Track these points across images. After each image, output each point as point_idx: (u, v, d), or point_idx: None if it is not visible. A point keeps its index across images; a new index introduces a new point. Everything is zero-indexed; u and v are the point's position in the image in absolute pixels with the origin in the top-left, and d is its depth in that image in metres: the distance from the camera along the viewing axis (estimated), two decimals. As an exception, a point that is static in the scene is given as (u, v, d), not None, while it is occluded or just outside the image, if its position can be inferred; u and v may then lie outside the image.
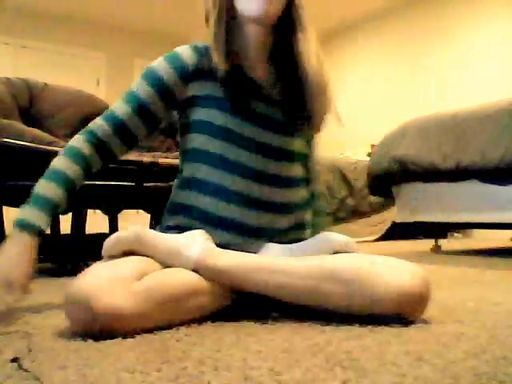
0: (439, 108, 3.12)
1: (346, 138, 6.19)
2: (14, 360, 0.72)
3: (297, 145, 1.20)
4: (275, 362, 0.70)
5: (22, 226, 1.02)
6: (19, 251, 1.00)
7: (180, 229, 1.11)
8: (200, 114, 1.13)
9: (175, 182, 1.21)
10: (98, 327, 0.82)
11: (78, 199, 1.99)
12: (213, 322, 0.97)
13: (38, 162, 1.86)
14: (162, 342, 0.82)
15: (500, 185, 2.35)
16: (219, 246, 1.05)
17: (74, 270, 2.05)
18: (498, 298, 1.25)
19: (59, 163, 1.11)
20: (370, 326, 0.91)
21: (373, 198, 4.28)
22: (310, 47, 1.12)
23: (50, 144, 1.82)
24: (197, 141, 1.14)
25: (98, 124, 1.15)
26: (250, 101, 1.13)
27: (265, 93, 1.15)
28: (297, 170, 1.19)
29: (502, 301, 1.20)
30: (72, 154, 1.12)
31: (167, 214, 1.19)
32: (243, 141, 1.11)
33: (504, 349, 0.76)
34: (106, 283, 0.85)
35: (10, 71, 4.95)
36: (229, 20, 1.11)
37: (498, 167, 2.25)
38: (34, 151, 1.77)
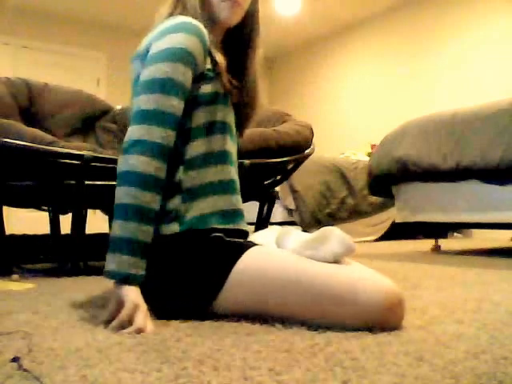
0: (439, 108, 3.12)
1: (346, 137, 6.19)
2: (14, 360, 0.72)
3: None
4: (275, 362, 0.70)
5: (130, 282, 0.96)
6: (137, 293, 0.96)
7: (224, 215, 1.12)
8: (212, 86, 1.14)
9: (180, 169, 1.10)
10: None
11: (77, 199, 1.99)
12: (213, 322, 0.97)
13: (38, 161, 1.87)
14: (162, 342, 0.82)
15: (500, 185, 2.35)
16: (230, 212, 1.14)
17: (74, 269, 2.05)
18: (497, 297, 1.25)
19: (149, 201, 0.98)
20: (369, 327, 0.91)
21: (373, 198, 4.28)
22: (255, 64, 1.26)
23: (49, 144, 1.82)
24: (215, 113, 1.14)
25: (168, 135, 1.02)
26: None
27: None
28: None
29: (501, 301, 1.20)
30: (155, 185, 0.99)
31: (194, 202, 1.09)
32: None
33: (504, 349, 0.76)
34: None
35: (9, 71, 4.94)
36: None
37: (498, 167, 2.25)
38: (34, 151, 1.77)
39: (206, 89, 1.13)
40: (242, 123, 1.31)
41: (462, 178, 2.48)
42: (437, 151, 2.53)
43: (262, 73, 1.31)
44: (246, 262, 0.98)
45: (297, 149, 2.20)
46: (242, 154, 1.97)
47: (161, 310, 1.04)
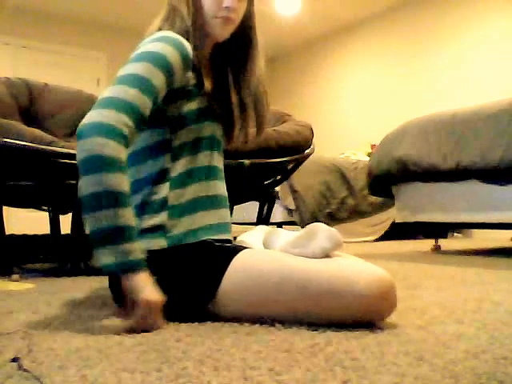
0: (439, 108, 3.12)
1: (346, 137, 6.19)
2: (14, 360, 0.72)
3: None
4: (275, 362, 0.70)
5: (133, 269, 0.93)
6: (149, 283, 0.94)
7: (212, 228, 1.13)
8: (197, 103, 1.14)
9: (166, 186, 1.10)
10: None
11: (77, 199, 1.99)
12: (213, 322, 0.97)
13: (38, 161, 1.87)
14: (162, 342, 0.82)
15: (500, 185, 2.35)
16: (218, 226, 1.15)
17: (74, 269, 2.05)
18: (497, 297, 1.25)
19: (117, 183, 0.93)
20: (369, 326, 0.91)
21: (373, 198, 4.28)
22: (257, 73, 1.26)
23: (49, 144, 1.82)
24: (201, 130, 1.14)
25: (124, 122, 0.97)
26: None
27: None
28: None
29: (502, 301, 1.20)
30: (119, 167, 0.94)
31: (182, 217, 1.09)
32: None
33: (504, 349, 0.76)
34: None
35: (9, 71, 4.94)
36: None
37: (498, 167, 2.25)
38: (34, 151, 1.77)
39: (191, 106, 1.13)
40: (245, 133, 1.30)
41: (462, 178, 2.48)
42: (437, 151, 2.53)
43: (267, 79, 1.32)
44: (238, 265, 0.98)
45: (297, 149, 2.21)
46: (241, 154, 1.98)
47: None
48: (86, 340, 0.84)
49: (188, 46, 1.11)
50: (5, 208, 2.11)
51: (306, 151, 2.25)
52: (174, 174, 1.11)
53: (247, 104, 1.25)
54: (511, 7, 4.77)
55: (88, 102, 2.61)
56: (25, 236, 2.54)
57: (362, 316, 0.90)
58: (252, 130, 1.32)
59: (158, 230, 1.08)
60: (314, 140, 2.32)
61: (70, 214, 2.21)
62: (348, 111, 6.40)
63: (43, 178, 1.92)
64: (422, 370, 0.66)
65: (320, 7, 5.80)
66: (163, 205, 1.09)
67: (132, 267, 0.93)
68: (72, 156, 1.85)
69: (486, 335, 0.85)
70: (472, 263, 2.21)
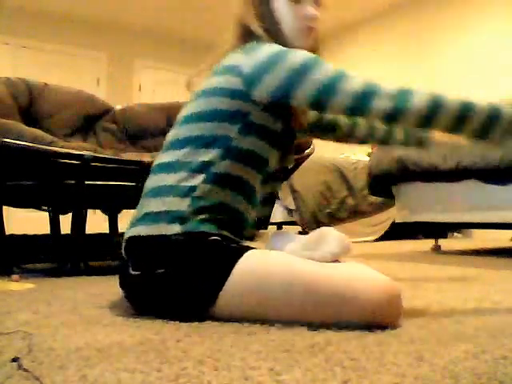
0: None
1: (346, 137, 6.19)
2: (14, 360, 0.72)
3: None
4: (275, 362, 0.70)
5: None
6: None
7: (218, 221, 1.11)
8: (268, 120, 1.13)
9: (200, 176, 1.09)
10: None
11: (77, 199, 1.99)
12: (213, 322, 0.97)
13: (38, 161, 1.87)
14: (162, 342, 0.82)
15: (500, 185, 2.35)
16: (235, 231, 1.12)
17: (74, 269, 2.05)
18: (497, 297, 1.25)
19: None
20: (369, 327, 0.91)
21: (373, 198, 4.28)
22: None
23: (49, 144, 1.82)
24: (262, 147, 1.13)
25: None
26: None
27: None
28: None
29: (501, 301, 1.20)
30: None
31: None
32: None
33: (504, 349, 0.76)
34: None
35: (9, 71, 4.94)
36: None
37: (498, 167, 2.25)
38: (34, 151, 1.77)
39: (276, 126, 1.13)
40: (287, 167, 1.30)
41: (462, 177, 2.48)
42: (437, 151, 2.53)
43: None
44: (244, 265, 0.98)
45: (297, 149, 2.20)
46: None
47: (159, 311, 1.04)
48: (85, 340, 0.84)
49: None
50: (5, 208, 2.10)
51: (306, 151, 2.25)
52: (214, 170, 1.09)
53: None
54: (511, 7, 4.77)
55: (88, 102, 2.61)
56: (25, 236, 2.54)
57: (367, 323, 0.90)
58: None
59: (174, 215, 1.06)
60: (314, 140, 2.32)
61: (70, 214, 2.20)
62: (348, 111, 6.40)
63: (43, 178, 1.92)
64: (421, 370, 0.66)
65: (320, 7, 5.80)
66: (188, 193, 1.07)
67: None
68: (72, 156, 1.86)
69: (486, 335, 0.85)
70: (472, 263, 2.21)
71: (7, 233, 2.14)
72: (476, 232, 4.91)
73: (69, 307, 1.19)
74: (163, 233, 1.05)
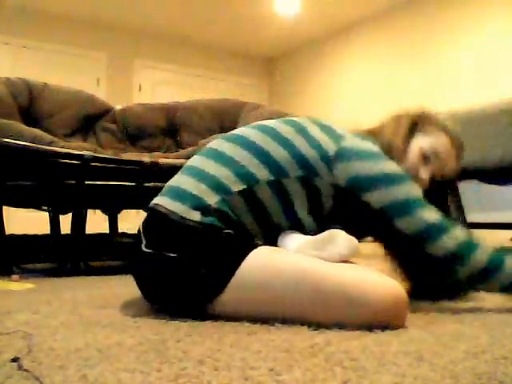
0: (438, 108, 3.12)
1: (346, 138, 6.19)
2: (14, 360, 0.72)
3: None
4: (275, 362, 0.70)
5: None
6: None
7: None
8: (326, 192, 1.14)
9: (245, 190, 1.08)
10: None
11: (77, 199, 1.99)
12: (213, 322, 0.97)
13: (38, 161, 1.87)
14: (162, 342, 0.82)
15: (500, 185, 2.35)
16: None
17: (74, 269, 2.05)
18: (497, 298, 1.25)
19: None
20: (369, 327, 0.91)
21: (373, 198, 4.27)
22: None
23: (49, 144, 1.82)
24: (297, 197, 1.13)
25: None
26: None
27: None
28: None
29: (501, 301, 1.20)
30: None
31: None
32: None
33: (504, 349, 0.76)
34: None
35: (9, 71, 4.94)
36: None
37: (498, 167, 2.25)
38: (34, 151, 1.77)
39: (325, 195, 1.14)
40: None
41: (462, 177, 2.48)
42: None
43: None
44: (253, 260, 0.98)
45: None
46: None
47: (163, 294, 1.04)
48: (86, 340, 0.84)
49: None
50: (5, 208, 2.11)
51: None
52: (255, 189, 1.08)
53: None
54: (510, 7, 4.77)
55: (88, 102, 2.62)
56: (25, 236, 2.54)
57: (371, 324, 0.90)
58: None
59: (201, 202, 1.05)
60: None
61: (70, 214, 2.21)
62: (348, 111, 6.40)
63: (43, 178, 1.92)
64: (422, 370, 0.66)
65: (320, 7, 5.80)
66: (223, 193, 1.06)
67: None
68: (72, 156, 1.86)
69: (486, 335, 0.85)
70: (472, 263, 2.20)
71: (7, 233, 2.14)
72: (476, 232, 4.91)
73: (69, 307, 1.19)
74: (184, 215, 1.03)
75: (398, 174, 1.12)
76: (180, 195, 1.07)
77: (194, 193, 1.06)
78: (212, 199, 1.05)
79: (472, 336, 0.85)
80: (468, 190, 2.51)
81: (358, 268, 0.97)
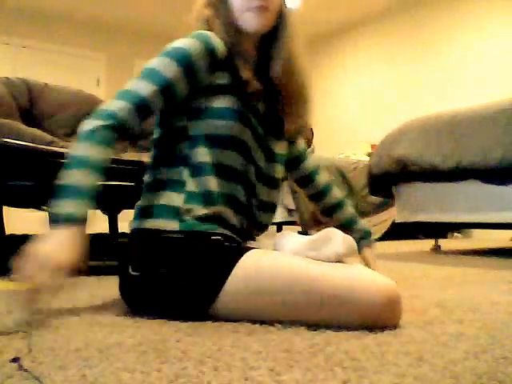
0: (439, 108, 3.12)
1: (346, 138, 6.19)
2: (14, 360, 0.72)
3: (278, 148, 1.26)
4: (275, 362, 0.70)
5: (57, 220, 0.98)
6: (61, 239, 0.97)
7: (218, 219, 1.09)
8: (226, 102, 1.11)
9: (184, 171, 1.11)
10: None
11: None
12: (213, 322, 0.97)
13: (38, 161, 1.87)
14: (162, 342, 0.82)
15: (500, 185, 2.35)
16: (236, 229, 1.12)
17: (73, 269, 2.04)
18: (497, 298, 1.25)
19: (81, 151, 1.02)
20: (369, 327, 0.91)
21: (373, 198, 4.28)
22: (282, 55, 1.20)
23: (49, 144, 1.82)
24: (227, 129, 1.11)
25: (117, 105, 1.05)
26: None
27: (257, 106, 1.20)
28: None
29: (501, 301, 1.20)
30: (98, 139, 1.02)
31: (190, 203, 1.08)
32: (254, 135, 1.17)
33: (504, 349, 0.76)
34: None
35: (9, 71, 4.94)
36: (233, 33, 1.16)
37: (498, 167, 2.25)
38: (34, 151, 1.77)
39: (221, 103, 1.11)
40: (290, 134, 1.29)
41: (462, 178, 2.48)
42: (437, 151, 2.53)
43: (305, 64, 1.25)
44: (245, 265, 0.98)
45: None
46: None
47: (159, 311, 1.04)
48: (86, 340, 0.84)
49: (216, 42, 1.11)
50: (5, 208, 2.10)
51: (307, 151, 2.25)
52: (193, 161, 1.10)
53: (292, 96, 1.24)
54: (511, 8, 4.77)
55: (88, 102, 2.61)
56: (25, 236, 2.54)
57: (367, 324, 0.90)
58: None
59: (172, 211, 1.08)
60: (314, 140, 2.32)
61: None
62: (348, 111, 6.40)
63: (43, 178, 1.91)
64: (422, 370, 0.66)
65: (320, 7, 5.80)
66: (181, 187, 1.09)
67: (54, 219, 0.97)
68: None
69: (486, 335, 0.85)
70: (472, 263, 2.21)
71: (7, 233, 2.14)
72: (476, 232, 4.91)
73: (69, 307, 1.19)
74: (162, 228, 1.07)
75: (168, 48, 1.12)
76: (151, 212, 1.10)
77: (162, 203, 1.10)
78: (178, 200, 1.09)
79: (472, 336, 0.85)
80: (468, 189, 2.51)
81: (352, 268, 0.96)
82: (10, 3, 5.63)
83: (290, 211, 4.13)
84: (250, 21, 1.14)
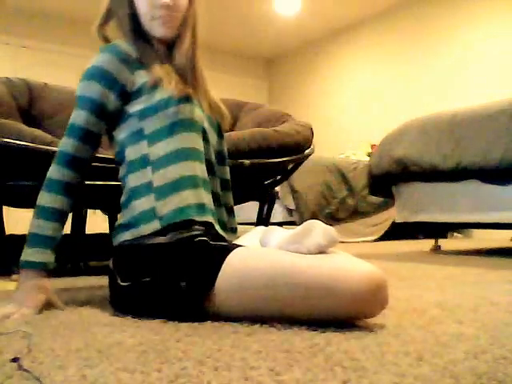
0: (439, 108, 3.12)
1: (346, 137, 6.19)
2: (14, 360, 0.72)
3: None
4: (275, 362, 0.70)
5: (26, 266, 1.16)
6: (30, 285, 1.15)
7: (199, 207, 1.15)
8: (160, 94, 1.18)
9: (149, 170, 1.17)
10: None
11: (77, 199, 1.99)
12: (213, 322, 0.97)
13: (38, 161, 1.86)
14: (162, 342, 0.82)
15: (500, 185, 2.35)
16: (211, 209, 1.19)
17: (74, 269, 2.05)
18: (497, 298, 1.25)
19: (44, 200, 1.17)
20: (369, 326, 0.91)
21: (373, 198, 4.28)
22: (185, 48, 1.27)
23: (50, 144, 1.82)
24: (174, 115, 1.17)
25: (64, 143, 1.19)
26: None
27: None
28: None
29: (501, 301, 1.20)
30: (53, 188, 1.18)
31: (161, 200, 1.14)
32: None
33: (504, 349, 0.76)
34: None
35: (9, 71, 4.94)
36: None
37: (498, 167, 2.25)
38: (34, 151, 1.77)
39: (156, 97, 1.18)
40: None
41: (463, 178, 2.48)
42: (437, 151, 2.53)
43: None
44: (231, 263, 0.98)
45: (297, 149, 2.21)
46: (242, 153, 1.98)
47: (151, 312, 1.05)
48: (85, 340, 0.84)
49: (125, 47, 1.21)
50: (5, 208, 2.10)
51: (306, 151, 2.25)
52: (153, 158, 1.16)
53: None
54: (511, 8, 4.77)
55: (88, 102, 2.61)
56: (25, 236, 2.53)
57: (353, 312, 0.90)
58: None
59: (149, 213, 1.13)
60: (314, 140, 2.32)
61: (70, 214, 2.20)
62: (348, 111, 6.40)
63: (43, 178, 1.91)
64: (422, 370, 0.66)
65: (320, 7, 5.80)
66: (149, 188, 1.15)
67: (24, 266, 1.16)
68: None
69: (486, 335, 0.85)
70: (472, 263, 2.21)
71: (7, 233, 2.14)
72: (476, 232, 4.91)
73: (69, 307, 1.19)
74: (145, 233, 1.11)
75: (86, 71, 1.22)
76: (131, 224, 1.15)
77: (138, 211, 1.15)
78: (151, 201, 1.13)
79: (472, 336, 0.85)
80: (468, 189, 2.51)
81: (334, 257, 0.96)
82: (10, 3, 5.63)
83: (289, 211, 4.13)
84: (157, 29, 1.23)
